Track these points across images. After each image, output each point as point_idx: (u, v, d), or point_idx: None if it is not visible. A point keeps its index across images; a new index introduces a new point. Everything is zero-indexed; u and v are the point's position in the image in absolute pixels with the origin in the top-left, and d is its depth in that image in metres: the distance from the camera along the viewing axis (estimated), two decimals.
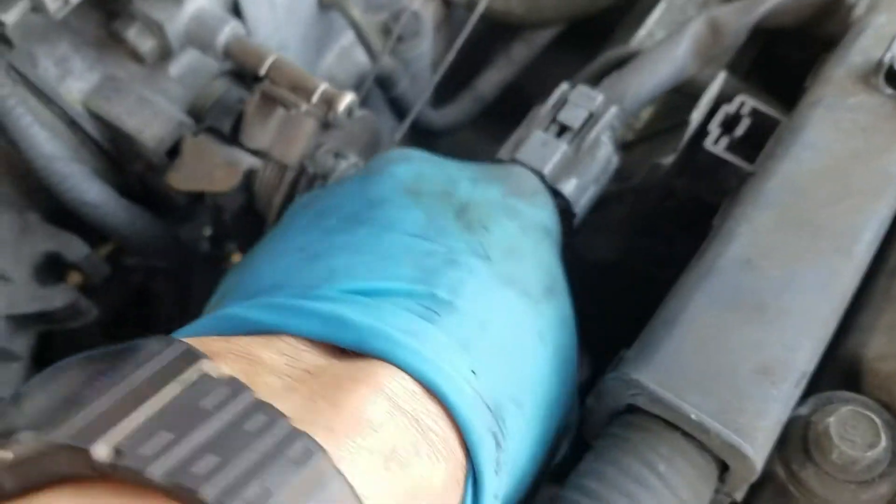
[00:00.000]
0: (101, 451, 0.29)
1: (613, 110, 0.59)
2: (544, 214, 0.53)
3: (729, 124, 0.59)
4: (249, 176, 0.62)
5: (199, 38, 0.64)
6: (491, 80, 0.89)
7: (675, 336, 0.46)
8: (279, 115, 0.61)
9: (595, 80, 0.67)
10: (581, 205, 0.58)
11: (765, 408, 0.43)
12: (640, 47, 0.71)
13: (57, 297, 0.63)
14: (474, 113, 0.89)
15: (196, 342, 0.35)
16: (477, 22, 0.86)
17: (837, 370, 0.48)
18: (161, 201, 0.69)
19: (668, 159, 0.59)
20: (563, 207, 0.57)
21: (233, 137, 0.62)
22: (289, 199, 0.63)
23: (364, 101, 0.78)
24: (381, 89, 0.81)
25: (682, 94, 0.67)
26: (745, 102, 0.59)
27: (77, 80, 0.65)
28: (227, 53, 0.64)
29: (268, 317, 0.40)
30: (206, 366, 0.33)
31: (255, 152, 0.62)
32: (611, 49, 0.72)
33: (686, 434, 0.43)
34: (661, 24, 0.76)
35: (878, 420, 0.44)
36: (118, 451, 0.29)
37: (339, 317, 0.39)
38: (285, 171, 0.62)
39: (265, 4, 0.71)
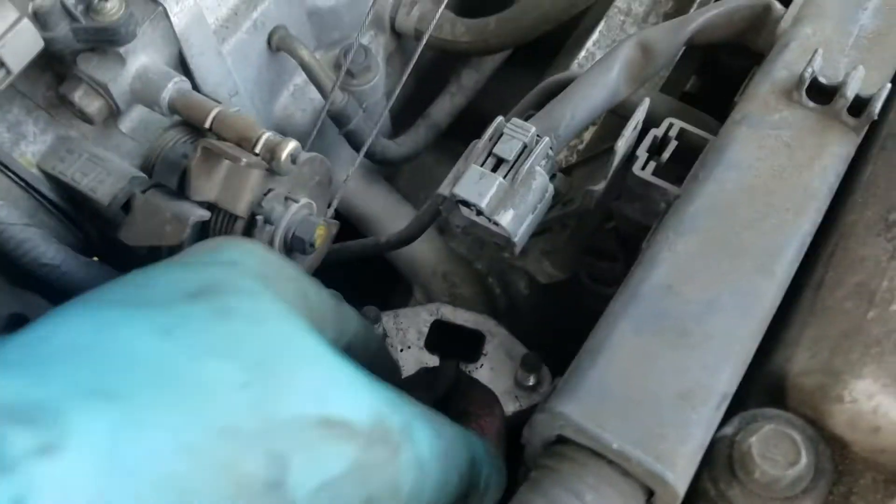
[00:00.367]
0: None
1: (546, 140, 0.60)
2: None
3: (658, 147, 0.60)
4: (201, 227, 0.64)
5: (144, 95, 0.66)
6: (444, 108, 0.91)
7: (600, 365, 0.47)
8: (224, 167, 0.63)
9: (537, 107, 0.68)
10: (520, 234, 0.60)
11: (686, 433, 0.45)
12: (579, 70, 0.72)
13: None
14: (430, 140, 0.90)
15: None
16: (428, 51, 0.88)
17: (764, 386, 0.49)
18: (122, 253, 0.71)
19: (600, 186, 0.60)
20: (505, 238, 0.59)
21: (181, 191, 0.64)
22: None
23: (320, 136, 0.80)
24: (335, 124, 0.82)
25: (620, 116, 0.68)
26: (674, 124, 0.61)
27: (31, 144, 0.67)
28: (172, 109, 0.66)
29: None
30: None
31: (203, 204, 0.64)
32: (550, 74, 0.73)
33: (612, 462, 0.45)
34: (599, 45, 0.77)
35: (798, 437, 0.45)
36: None
37: None
38: (235, 220, 0.64)
39: (211, 53, 0.73)
